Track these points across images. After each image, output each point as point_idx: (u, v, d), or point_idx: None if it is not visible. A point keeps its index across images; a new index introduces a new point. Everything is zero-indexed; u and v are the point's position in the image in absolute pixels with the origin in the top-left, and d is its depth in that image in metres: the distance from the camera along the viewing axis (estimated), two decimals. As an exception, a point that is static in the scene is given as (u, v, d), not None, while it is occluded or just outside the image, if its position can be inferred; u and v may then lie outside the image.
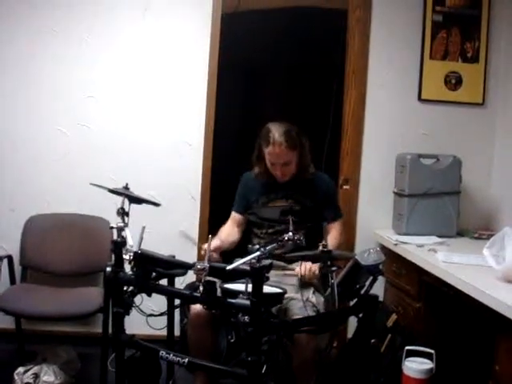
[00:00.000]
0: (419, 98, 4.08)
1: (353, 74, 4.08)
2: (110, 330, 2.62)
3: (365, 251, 2.58)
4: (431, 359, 2.96)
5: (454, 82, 4.07)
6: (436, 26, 4.03)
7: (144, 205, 2.80)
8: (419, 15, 4.02)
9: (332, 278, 2.49)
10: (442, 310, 3.34)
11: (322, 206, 3.28)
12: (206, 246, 2.53)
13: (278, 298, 2.52)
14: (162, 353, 2.46)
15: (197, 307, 2.83)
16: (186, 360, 2.43)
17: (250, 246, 3.13)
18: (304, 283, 2.98)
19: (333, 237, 3.18)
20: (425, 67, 4.05)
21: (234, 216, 3.41)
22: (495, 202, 4.07)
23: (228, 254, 3.13)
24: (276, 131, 3.15)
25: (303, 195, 3.26)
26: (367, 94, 4.05)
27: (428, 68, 4.05)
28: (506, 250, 2.70)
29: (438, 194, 3.81)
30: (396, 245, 3.61)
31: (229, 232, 3.32)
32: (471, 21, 4.05)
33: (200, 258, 3.15)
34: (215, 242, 2.97)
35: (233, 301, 2.35)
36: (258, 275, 2.27)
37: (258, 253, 2.29)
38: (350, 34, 4.10)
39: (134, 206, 2.69)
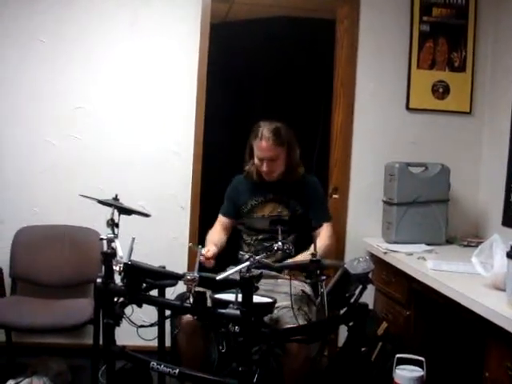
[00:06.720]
0: (407, 107, 4.10)
1: (341, 84, 4.11)
2: (101, 342, 2.61)
3: (354, 260, 2.58)
4: (422, 367, 2.97)
5: (441, 90, 4.10)
6: (423, 36, 4.06)
7: (134, 215, 2.80)
8: (406, 25, 4.05)
9: (322, 287, 2.50)
10: (432, 317, 3.35)
11: (311, 208, 3.28)
12: (200, 256, 2.60)
13: (269, 307, 2.52)
14: (153, 364, 2.46)
15: (188, 316, 2.83)
16: (177, 371, 2.43)
17: (241, 253, 3.16)
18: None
19: (322, 239, 3.17)
20: (412, 76, 4.08)
21: (221, 219, 3.40)
22: (484, 209, 4.10)
23: (221, 261, 3.13)
24: (265, 127, 3.21)
25: (293, 198, 3.26)
26: (355, 104, 4.07)
27: (415, 77, 4.08)
28: (494, 257, 2.71)
29: (427, 202, 3.82)
30: (385, 253, 3.62)
31: (220, 236, 3.31)
32: (458, 30, 4.08)
33: (191, 268, 3.13)
34: (213, 249, 3.02)
35: (223, 311, 2.35)
36: (247, 285, 2.27)
37: (247, 263, 2.29)
38: (338, 45, 4.13)
39: (123, 216, 2.69)
